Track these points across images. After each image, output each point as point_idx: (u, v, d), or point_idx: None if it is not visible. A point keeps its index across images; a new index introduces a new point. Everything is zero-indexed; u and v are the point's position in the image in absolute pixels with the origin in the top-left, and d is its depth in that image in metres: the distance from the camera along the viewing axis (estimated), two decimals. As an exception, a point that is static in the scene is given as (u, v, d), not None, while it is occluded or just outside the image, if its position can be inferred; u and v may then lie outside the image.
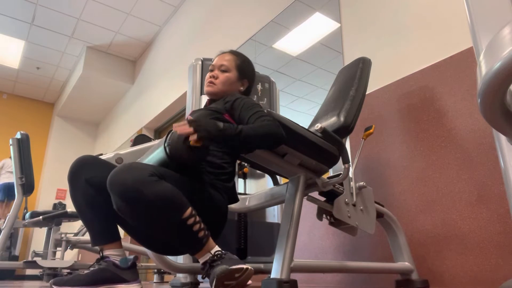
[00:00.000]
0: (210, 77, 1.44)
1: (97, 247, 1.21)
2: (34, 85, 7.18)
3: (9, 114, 7.37)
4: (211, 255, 0.98)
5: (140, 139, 1.87)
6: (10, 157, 5.70)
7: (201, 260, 0.99)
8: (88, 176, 1.18)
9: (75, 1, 5.00)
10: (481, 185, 1.59)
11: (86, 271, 1.13)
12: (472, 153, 1.65)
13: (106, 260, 1.15)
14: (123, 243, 3.24)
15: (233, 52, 1.52)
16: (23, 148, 3.17)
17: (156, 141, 1.61)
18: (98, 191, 1.17)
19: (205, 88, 1.43)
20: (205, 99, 2.10)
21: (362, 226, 1.50)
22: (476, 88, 0.53)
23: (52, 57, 6.24)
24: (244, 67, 1.48)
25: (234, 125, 1.09)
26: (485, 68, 0.50)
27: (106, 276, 1.13)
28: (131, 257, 1.19)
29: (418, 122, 1.90)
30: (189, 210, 0.98)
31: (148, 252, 1.49)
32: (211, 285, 0.91)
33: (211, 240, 1.01)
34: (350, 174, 1.54)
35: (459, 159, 1.69)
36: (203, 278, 1.00)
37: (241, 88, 1.47)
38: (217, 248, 1.01)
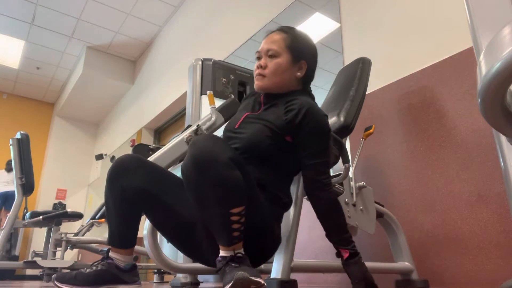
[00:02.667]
0: (258, 67, 1.22)
1: (102, 247, 1.20)
2: (34, 85, 7.18)
3: (9, 114, 7.37)
4: (232, 254, 0.95)
5: (139, 149, 1.85)
6: (5, 169, 5.74)
7: (222, 253, 0.97)
8: (125, 183, 1.11)
9: (75, 1, 5.00)
10: (481, 185, 1.59)
11: (88, 270, 1.13)
12: (472, 153, 1.65)
13: (109, 262, 1.14)
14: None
15: (282, 30, 1.25)
16: (23, 148, 3.17)
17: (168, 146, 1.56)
18: (131, 200, 1.12)
19: (255, 83, 1.23)
20: (205, 99, 2.10)
21: (362, 226, 1.50)
22: (476, 88, 0.53)
23: (52, 57, 6.24)
24: (297, 46, 1.23)
25: (351, 241, 1.10)
26: (485, 68, 0.50)
27: (107, 277, 1.13)
28: (136, 258, 1.19)
29: (418, 122, 1.90)
30: (240, 209, 0.93)
31: (148, 252, 1.48)
32: (225, 284, 0.90)
33: (240, 244, 0.98)
34: (350, 174, 1.54)
35: (459, 159, 1.69)
36: (215, 272, 0.97)
37: (299, 73, 1.24)
38: (241, 251, 0.98)
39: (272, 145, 1.13)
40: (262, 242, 1.08)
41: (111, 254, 1.16)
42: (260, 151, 1.12)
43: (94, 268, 1.14)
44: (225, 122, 1.62)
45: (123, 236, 1.17)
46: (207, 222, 0.99)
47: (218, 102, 1.69)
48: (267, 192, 1.11)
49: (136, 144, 1.88)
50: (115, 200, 1.13)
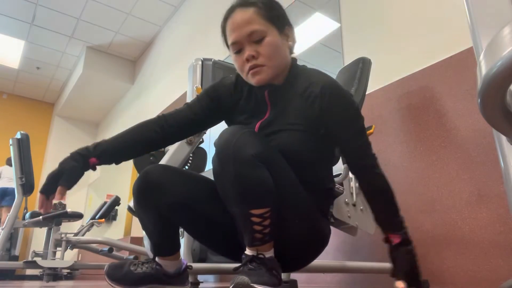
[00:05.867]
0: (247, 59, 0.98)
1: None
2: (34, 85, 7.18)
3: (9, 114, 7.37)
4: (254, 255, 0.88)
5: (140, 160, 1.82)
6: (9, 164, 5.72)
7: (246, 251, 0.91)
8: (159, 201, 1.01)
9: (75, 1, 5.00)
10: (481, 185, 1.59)
11: (138, 270, 1.07)
12: (472, 153, 1.65)
13: (157, 268, 1.08)
14: (123, 243, 3.24)
15: (244, 4, 1.01)
16: (23, 148, 3.17)
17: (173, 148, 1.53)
18: (167, 216, 1.04)
19: (253, 80, 1.00)
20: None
21: (362, 226, 1.50)
22: (476, 88, 0.53)
23: (52, 57, 6.24)
24: (275, 13, 1.02)
25: (403, 227, 0.97)
26: (485, 68, 0.50)
27: (154, 279, 1.08)
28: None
29: (418, 122, 1.90)
30: (262, 211, 0.86)
31: (148, 251, 1.48)
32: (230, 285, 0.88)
33: (265, 246, 0.89)
34: (350, 174, 1.54)
35: (459, 159, 1.69)
36: (234, 270, 0.92)
37: (290, 42, 1.05)
38: (267, 253, 0.89)
39: (313, 149, 1.00)
40: (308, 242, 1.00)
41: (158, 260, 1.09)
42: (299, 158, 0.99)
43: (144, 268, 1.07)
44: None
45: (168, 246, 1.10)
46: (234, 216, 0.93)
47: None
48: (314, 188, 1.00)
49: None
50: (151, 218, 1.05)
